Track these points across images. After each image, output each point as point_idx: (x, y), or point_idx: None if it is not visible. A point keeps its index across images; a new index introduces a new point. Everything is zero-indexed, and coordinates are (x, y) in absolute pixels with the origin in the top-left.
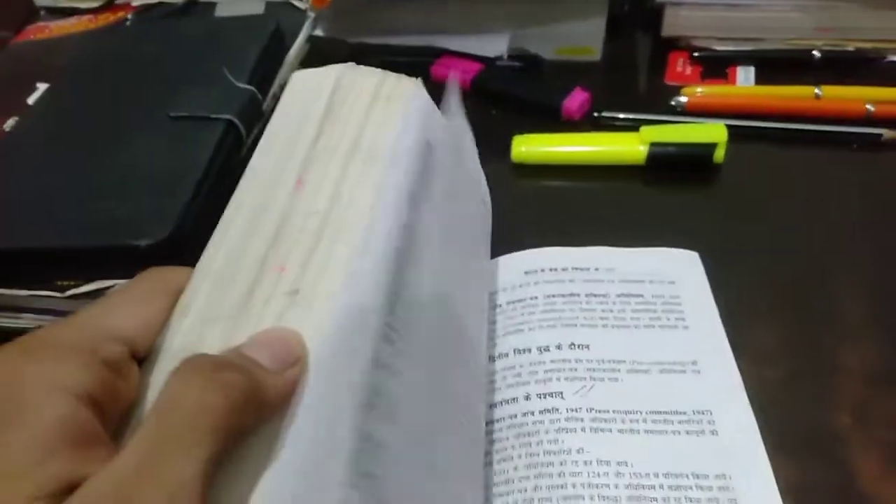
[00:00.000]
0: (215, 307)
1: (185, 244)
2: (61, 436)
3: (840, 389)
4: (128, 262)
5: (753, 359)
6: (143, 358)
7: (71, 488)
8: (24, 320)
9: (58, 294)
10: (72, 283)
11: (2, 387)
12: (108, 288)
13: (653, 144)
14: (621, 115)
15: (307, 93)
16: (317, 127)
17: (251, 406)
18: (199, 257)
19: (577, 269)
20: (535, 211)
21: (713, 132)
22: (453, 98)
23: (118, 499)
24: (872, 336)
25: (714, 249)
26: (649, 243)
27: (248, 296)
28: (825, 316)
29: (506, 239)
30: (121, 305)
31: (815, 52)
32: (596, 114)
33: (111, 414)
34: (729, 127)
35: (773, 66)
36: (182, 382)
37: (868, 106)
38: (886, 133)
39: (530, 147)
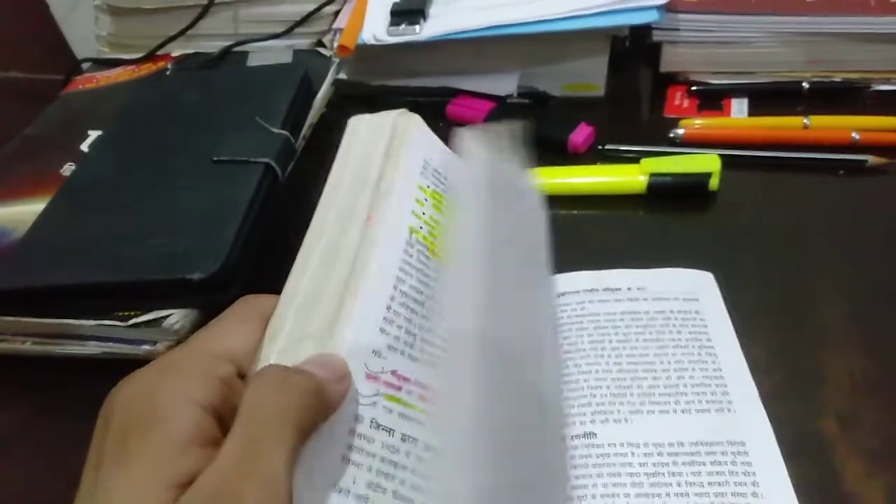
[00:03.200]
0: (302, 329)
1: (232, 275)
2: (191, 438)
3: (827, 399)
4: (182, 293)
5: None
6: (244, 374)
7: (195, 479)
8: (90, 347)
9: (120, 323)
10: (132, 312)
11: (146, 399)
12: (165, 317)
13: (652, 175)
14: (623, 148)
15: (367, 136)
16: (379, 169)
17: (319, 405)
18: (244, 286)
19: (608, 289)
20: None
21: (708, 162)
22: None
23: (225, 492)
24: (857, 349)
25: (710, 271)
26: (649, 266)
27: (335, 318)
28: (813, 330)
29: None
30: (226, 331)
31: (804, 84)
32: (600, 147)
33: (227, 422)
34: (723, 156)
35: (766, 98)
36: (260, 389)
37: (854, 134)
38: (871, 159)
39: (539, 179)
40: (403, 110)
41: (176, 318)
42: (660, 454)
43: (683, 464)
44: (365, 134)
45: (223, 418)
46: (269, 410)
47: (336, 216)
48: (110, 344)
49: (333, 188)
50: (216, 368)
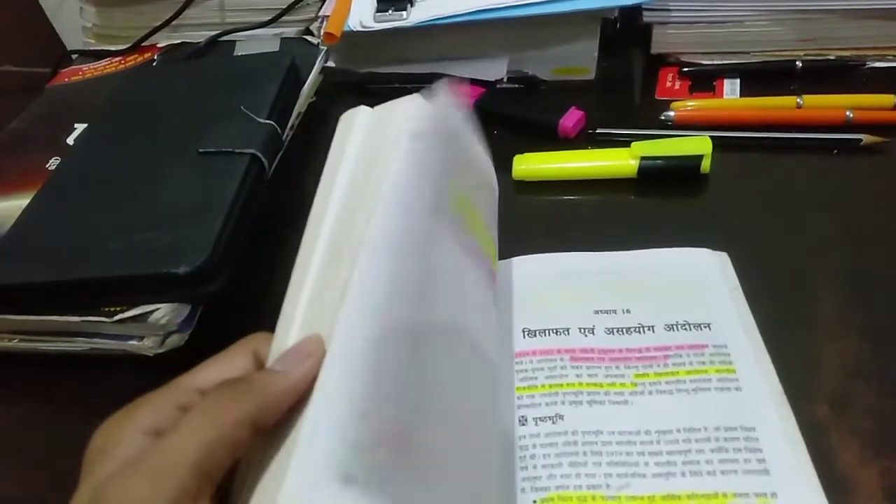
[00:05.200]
0: (311, 329)
1: (218, 268)
2: (128, 460)
3: (819, 383)
4: (168, 287)
5: None
6: None
7: None
8: (77, 343)
9: (106, 319)
10: (118, 308)
11: (106, 433)
12: (151, 312)
13: (643, 158)
14: (614, 132)
15: (361, 129)
16: (368, 163)
17: (254, 404)
18: (231, 278)
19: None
20: (537, 223)
21: (699, 144)
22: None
23: (136, 467)
24: (850, 333)
25: None
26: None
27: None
28: (807, 314)
29: (512, 251)
30: (208, 365)
31: (797, 63)
32: (591, 131)
33: None
34: (716, 138)
35: (758, 78)
36: (208, 396)
37: (848, 113)
38: (866, 138)
39: (529, 165)
40: (417, 96)
41: (163, 312)
42: (660, 440)
43: (697, 440)
44: (358, 127)
45: None
46: (198, 409)
47: (335, 212)
48: (97, 340)
49: (329, 181)
50: (178, 398)
